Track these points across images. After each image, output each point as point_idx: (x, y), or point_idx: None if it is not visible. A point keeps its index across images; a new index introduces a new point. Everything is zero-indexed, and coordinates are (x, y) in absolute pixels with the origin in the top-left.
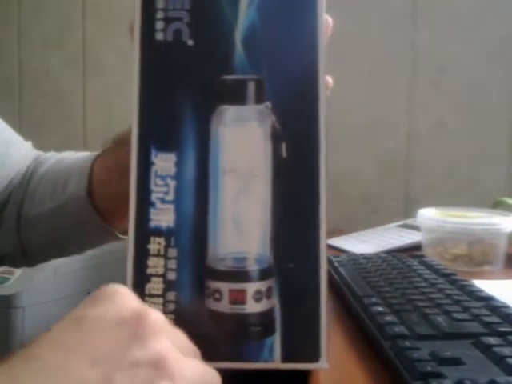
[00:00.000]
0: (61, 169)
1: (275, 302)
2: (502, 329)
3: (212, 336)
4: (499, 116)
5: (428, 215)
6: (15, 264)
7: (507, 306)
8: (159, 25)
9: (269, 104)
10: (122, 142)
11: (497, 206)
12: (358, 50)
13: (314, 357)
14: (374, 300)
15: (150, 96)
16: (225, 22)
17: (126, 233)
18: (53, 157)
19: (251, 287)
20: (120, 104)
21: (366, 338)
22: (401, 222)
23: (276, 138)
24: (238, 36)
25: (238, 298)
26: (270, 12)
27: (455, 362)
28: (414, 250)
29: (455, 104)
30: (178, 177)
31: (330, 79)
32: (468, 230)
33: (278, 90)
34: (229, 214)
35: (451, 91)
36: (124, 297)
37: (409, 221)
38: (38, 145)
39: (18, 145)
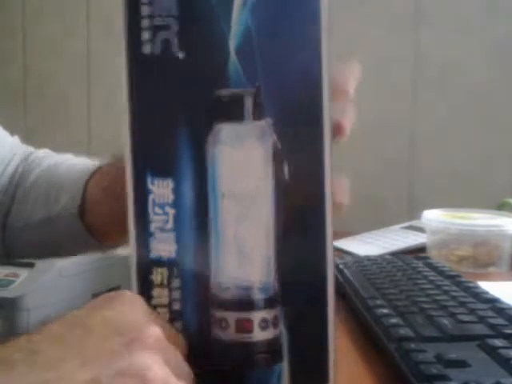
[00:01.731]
0: (55, 177)
1: (282, 328)
2: (508, 331)
3: (220, 365)
4: (502, 117)
5: (432, 217)
6: None
7: None
8: (145, 35)
9: (269, 119)
10: (117, 162)
11: (502, 207)
12: (360, 51)
13: (322, 382)
14: (378, 302)
15: (140, 117)
16: (217, 29)
17: (116, 246)
18: (45, 159)
19: (257, 316)
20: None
21: (371, 340)
22: (405, 224)
23: (277, 158)
24: (232, 44)
25: (245, 326)
26: (266, 14)
27: (461, 364)
28: (418, 251)
29: (458, 105)
30: (176, 204)
31: (346, 123)
32: (473, 232)
33: (277, 103)
34: (230, 241)
35: (454, 92)
36: (137, 306)
37: (413, 222)
38: (42, 147)
39: (1, 141)
